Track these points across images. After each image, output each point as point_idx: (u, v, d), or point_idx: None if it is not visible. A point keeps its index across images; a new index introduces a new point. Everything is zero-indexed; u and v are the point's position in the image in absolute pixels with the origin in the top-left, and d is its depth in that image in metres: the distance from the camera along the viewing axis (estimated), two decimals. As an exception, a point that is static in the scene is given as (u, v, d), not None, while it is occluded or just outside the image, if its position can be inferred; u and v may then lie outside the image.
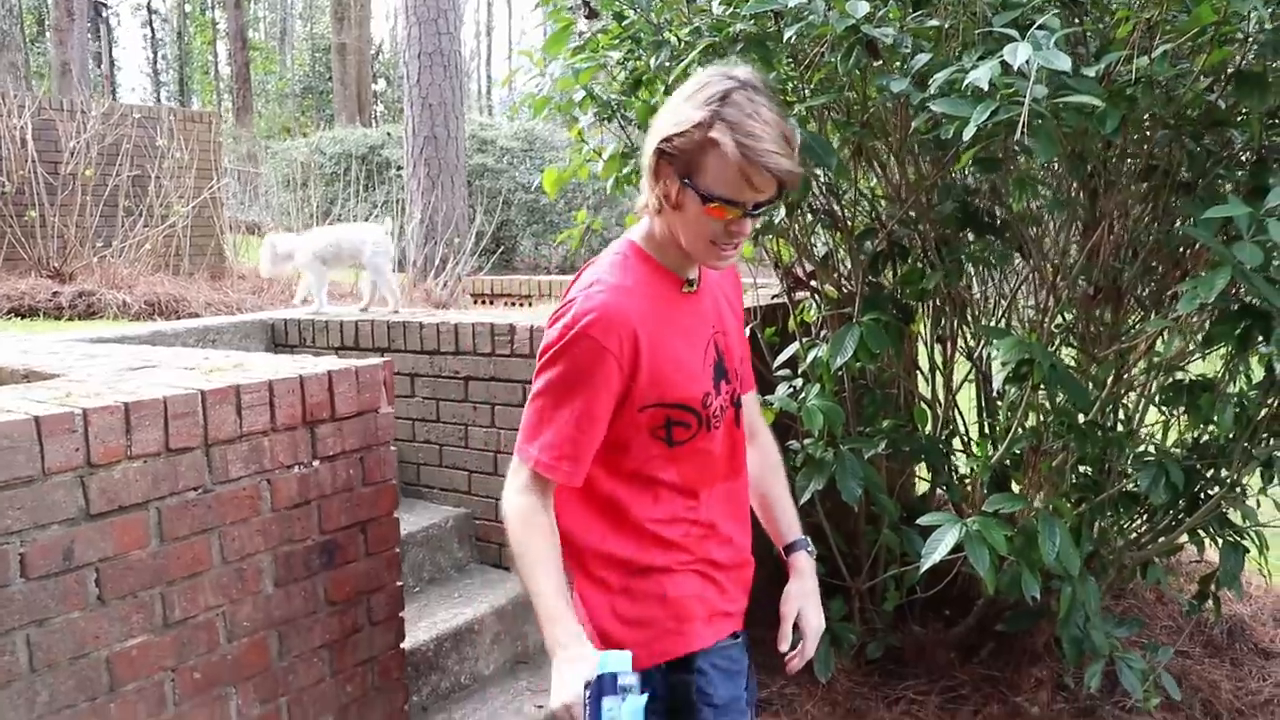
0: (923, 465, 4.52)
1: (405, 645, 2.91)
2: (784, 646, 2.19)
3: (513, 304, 7.22)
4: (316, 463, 2.54)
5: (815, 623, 2.21)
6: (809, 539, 2.31)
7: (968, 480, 4.12)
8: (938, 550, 3.11)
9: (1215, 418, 3.35)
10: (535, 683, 3.66)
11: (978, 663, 4.30)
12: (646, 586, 2.07)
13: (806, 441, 3.63)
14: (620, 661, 1.89)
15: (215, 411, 2.32)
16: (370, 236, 4.58)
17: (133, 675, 2.23)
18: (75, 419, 2.10)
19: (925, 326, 4.14)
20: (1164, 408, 3.75)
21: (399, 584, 2.82)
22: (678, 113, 1.88)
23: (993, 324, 4.14)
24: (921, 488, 5.01)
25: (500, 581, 3.90)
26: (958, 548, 3.25)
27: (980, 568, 3.08)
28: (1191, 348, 3.52)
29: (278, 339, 4.56)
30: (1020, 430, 3.63)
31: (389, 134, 16.01)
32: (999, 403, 4.06)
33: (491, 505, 4.04)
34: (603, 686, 1.89)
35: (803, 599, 2.22)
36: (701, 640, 2.08)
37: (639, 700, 1.88)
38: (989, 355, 4.27)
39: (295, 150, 15.74)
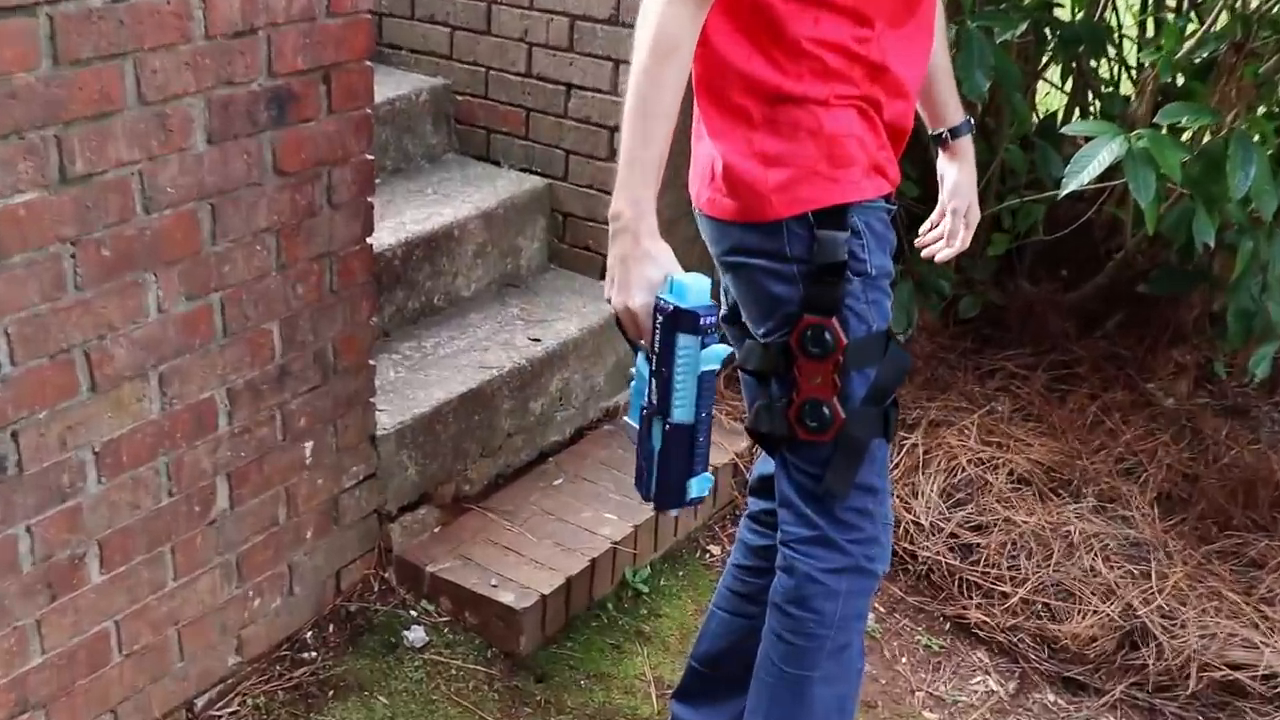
0: (1058, 73, 4.42)
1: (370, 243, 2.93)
2: (931, 237, 2.55)
3: None
4: (266, -24, 2.46)
5: (977, 216, 2.56)
6: (972, 121, 2.52)
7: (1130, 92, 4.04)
8: (1087, 169, 3.10)
9: None
10: (530, 310, 3.73)
11: (1101, 336, 4.39)
12: (798, 117, 2.14)
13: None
14: (702, 292, 2.01)
15: (128, -116, 2.19)
16: None
17: (21, 243, 2.21)
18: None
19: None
20: None
21: (369, 158, 2.79)
22: None
23: None
24: (1054, 103, 4.93)
25: (487, 178, 3.90)
26: (1110, 173, 3.22)
27: (1141, 197, 3.08)
28: None
29: None
30: (1214, 28, 3.52)
31: None
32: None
33: (479, 76, 3.98)
34: (680, 320, 2.01)
35: (972, 193, 2.54)
36: (860, 191, 2.18)
37: (720, 349, 2.04)
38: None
39: None
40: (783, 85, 2.13)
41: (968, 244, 2.58)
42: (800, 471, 2.31)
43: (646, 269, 2.05)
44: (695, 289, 2.02)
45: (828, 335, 2.18)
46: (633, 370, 2.16)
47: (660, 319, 2.03)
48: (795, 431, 2.26)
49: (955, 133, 2.53)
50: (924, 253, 2.62)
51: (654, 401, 2.09)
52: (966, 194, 2.56)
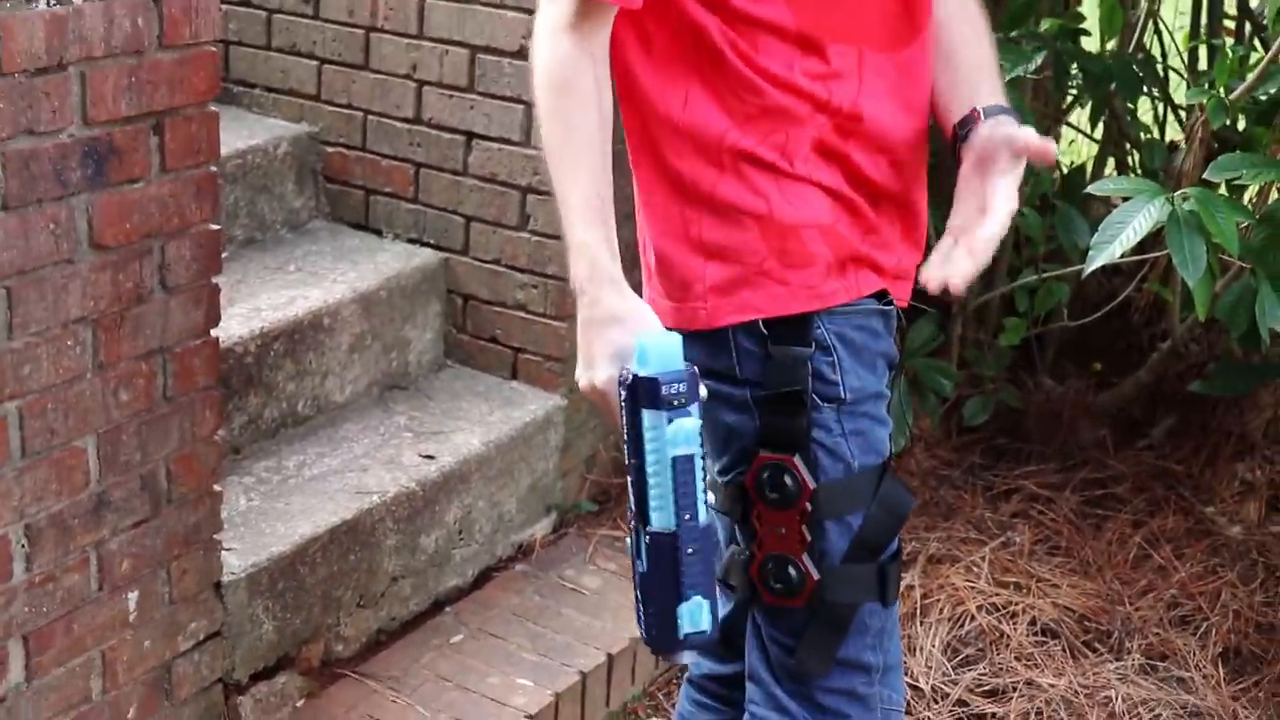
0: (1086, 116, 4.49)
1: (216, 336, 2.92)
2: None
3: None
4: (78, -3, 2.48)
5: (1005, 210, 2.14)
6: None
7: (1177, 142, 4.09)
8: (1119, 239, 3.10)
9: None
10: (421, 420, 3.73)
11: (1146, 447, 4.42)
12: (739, 194, 2.13)
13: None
14: (665, 354, 1.97)
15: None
16: None
17: None
18: None
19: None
20: None
21: (214, 227, 2.79)
22: None
23: None
24: (1080, 154, 4.99)
25: (365, 252, 3.90)
26: (1152, 242, 3.24)
27: (1189, 273, 3.10)
28: None
29: None
30: None
31: None
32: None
33: (355, 122, 4.01)
34: (639, 392, 1.98)
35: (1015, 179, 2.17)
36: (822, 297, 2.16)
37: (692, 421, 1.98)
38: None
39: None
40: (724, 137, 2.12)
41: (973, 254, 2.13)
42: (772, 640, 2.29)
43: (611, 333, 2.03)
44: (658, 349, 1.97)
45: (788, 479, 2.17)
46: None
47: (623, 394, 2.00)
48: (759, 593, 2.25)
49: (985, 114, 2.20)
50: (930, 281, 2.16)
51: (632, 506, 2.05)
52: (1004, 185, 2.16)
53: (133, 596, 2.85)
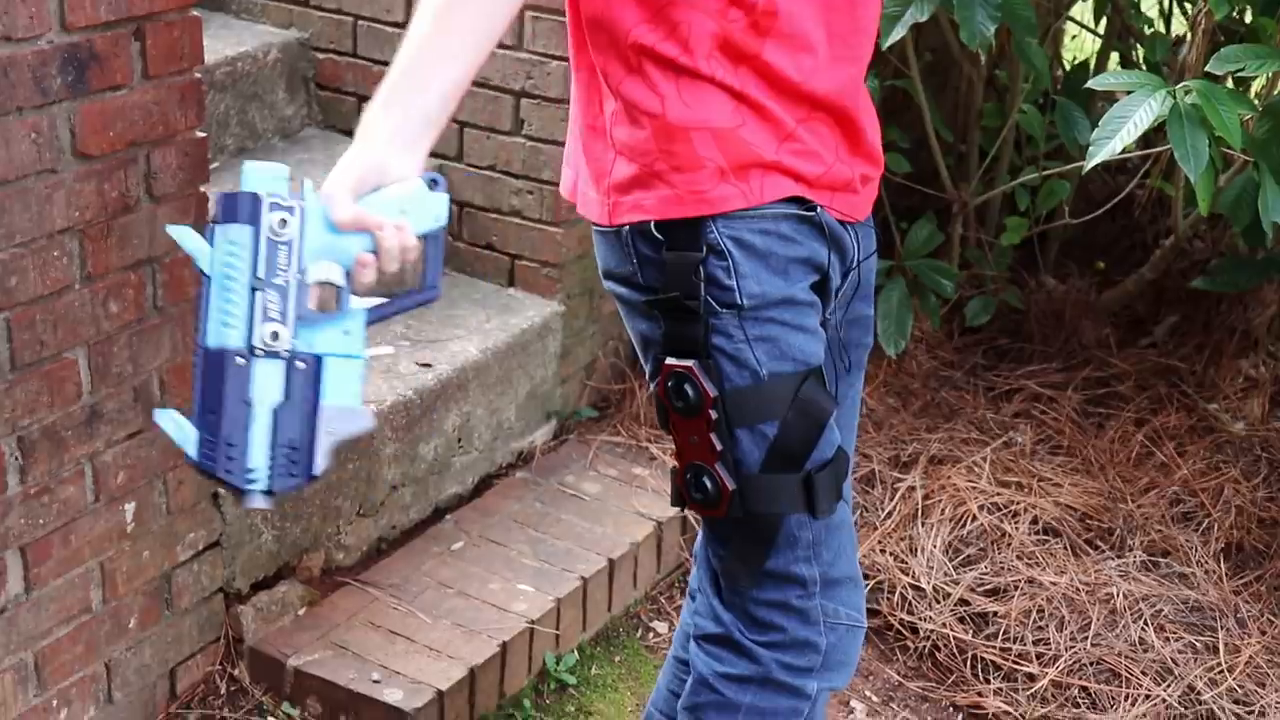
0: (1090, 10, 4.45)
1: (206, 244, 2.91)
2: None
3: None
4: (53, -102, 2.46)
5: None
6: None
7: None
8: (1119, 134, 3.10)
9: None
10: (417, 328, 3.74)
11: (1149, 345, 4.43)
12: (640, 95, 2.09)
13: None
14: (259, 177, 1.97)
15: None
16: None
17: None
18: None
19: None
20: None
21: (201, 135, 2.78)
22: None
23: None
24: (1081, 51, 4.95)
25: None
26: (1157, 137, 3.21)
27: (1190, 168, 3.08)
28: None
29: None
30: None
31: None
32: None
33: (345, 28, 4.00)
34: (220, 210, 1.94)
35: None
36: (713, 201, 2.11)
37: (212, 245, 1.91)
38: None
39: None
40: (631, 31, 2.06)
41: None
42: (711, 552, 2.31)
43: (356, 167, 2.10)
44: (259, 172, 2.01)
45: (688, 387, 2.16)
46: None
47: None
48: (685, 502, 2.26)
49: None
50: None
51: None
52: None
53: (129, 507, 2.87)
